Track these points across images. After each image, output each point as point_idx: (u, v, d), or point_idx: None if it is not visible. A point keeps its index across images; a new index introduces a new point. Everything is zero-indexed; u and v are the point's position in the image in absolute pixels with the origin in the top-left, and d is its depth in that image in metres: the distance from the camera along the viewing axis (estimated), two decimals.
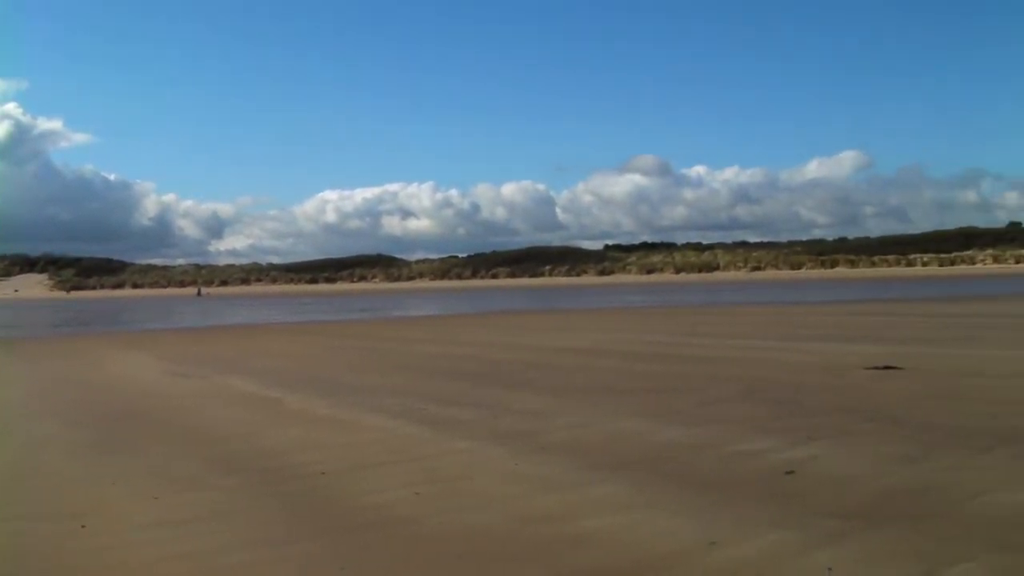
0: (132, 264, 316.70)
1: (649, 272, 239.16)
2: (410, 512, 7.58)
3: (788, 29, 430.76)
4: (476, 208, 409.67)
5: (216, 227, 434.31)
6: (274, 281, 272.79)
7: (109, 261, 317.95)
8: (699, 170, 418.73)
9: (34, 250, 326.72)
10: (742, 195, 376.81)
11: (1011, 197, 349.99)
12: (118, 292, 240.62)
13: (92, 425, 13.48)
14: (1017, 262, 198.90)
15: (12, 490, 9.26)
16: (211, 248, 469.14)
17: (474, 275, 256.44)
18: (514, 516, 7.33)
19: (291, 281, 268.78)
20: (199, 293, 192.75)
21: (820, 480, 8.12)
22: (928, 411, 11.49)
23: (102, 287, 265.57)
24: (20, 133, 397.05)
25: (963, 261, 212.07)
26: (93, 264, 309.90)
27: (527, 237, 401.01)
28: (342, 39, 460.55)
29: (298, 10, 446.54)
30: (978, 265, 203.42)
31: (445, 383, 16.91)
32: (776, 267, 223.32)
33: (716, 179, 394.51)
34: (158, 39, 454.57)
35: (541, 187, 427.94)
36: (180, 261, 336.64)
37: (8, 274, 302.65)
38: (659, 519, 7.10)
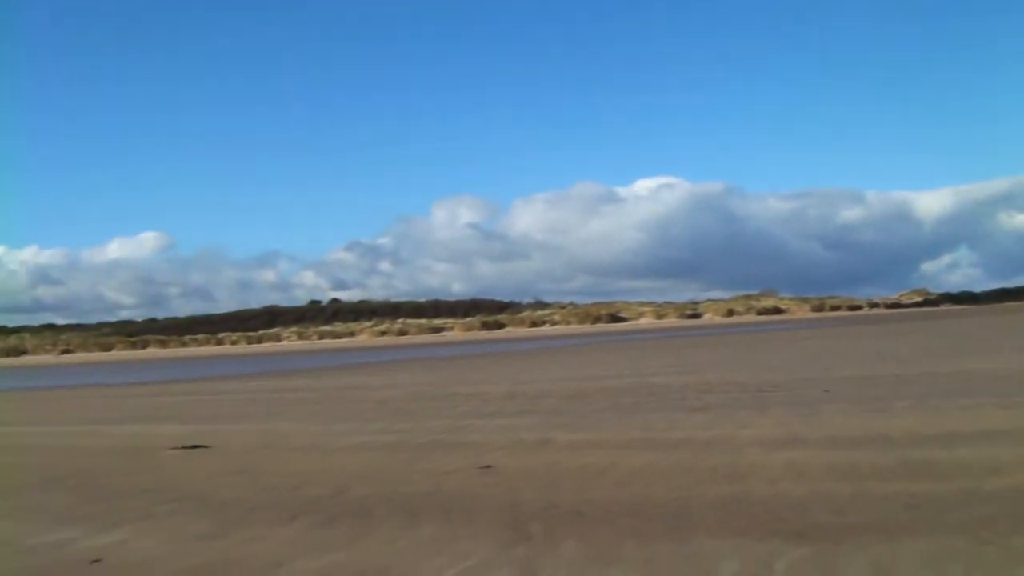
0: None
1: None
2: None
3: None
4: None
5: None
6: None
7: None
8: None
9: None
10: (42, 275, 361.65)
11: (308, 276, 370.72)
12: None
13: None
14: (321, 338, 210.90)
15: None
16: None
17: None
18: None
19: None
20: None
21: (127, 565, 8.09)
22: (232, 487, 11.88)
23: None
24: None
25: (270, 338, 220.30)
26: None
27: None
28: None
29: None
30: (284, 342, 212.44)
31: None
32: (87, 349, 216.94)
33: (14, 259, 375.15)
34: None
35: None
36: None
37: None
38: None
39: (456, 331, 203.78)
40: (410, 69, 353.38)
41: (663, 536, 8.05)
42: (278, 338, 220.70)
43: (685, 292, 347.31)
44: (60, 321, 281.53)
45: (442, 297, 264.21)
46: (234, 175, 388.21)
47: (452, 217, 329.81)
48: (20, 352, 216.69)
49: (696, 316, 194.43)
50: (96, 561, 8.28)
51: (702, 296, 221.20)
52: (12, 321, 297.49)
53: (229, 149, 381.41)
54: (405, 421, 19.21)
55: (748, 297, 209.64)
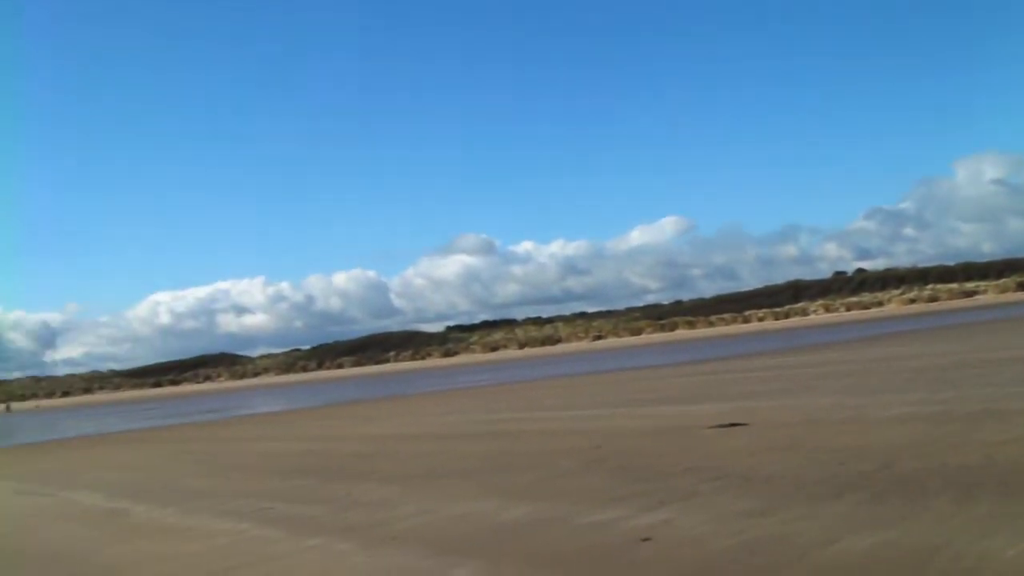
0: None
1: (493, 350, 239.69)
2: None
3: (588, 104, 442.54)
4: (310, 300, 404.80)
5: (48, 337, 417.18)
6: (117, 388, 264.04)
7: None
8: (527, 246, 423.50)
9: None
10: (570, 267, 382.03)
11: (830, 248, 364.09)
12: None
13: None
14: (848, 309, 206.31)
15: None
16: (47, 359, 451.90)
17: (319, 366, 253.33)
18: None
19: (135, 386, 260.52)
20: (8, 409, 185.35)
21: (676, 544, 8.08)
22: (774, 464, 11.65)
23: None
24: None
25: (796, 313, 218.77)
26: None
27: (365, 325, 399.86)
28: (152, 138, 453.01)
29: (101, 122, 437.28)
30: (811, 316, 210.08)
31: (292, 480, 16.50)
32: (617, 334, 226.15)
33: (543, 253, 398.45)
34: None
35: (372, 274, 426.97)
36: (16, 375, 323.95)
37: None
38: None
39: (989, 294, 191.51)
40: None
41: None
42: (804, 312, 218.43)
43: None
44: (590, 309, 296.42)
45: (972, 259, 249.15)
46: (749, 154, 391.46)
47: (976, 174, 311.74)
48: (555, 341, 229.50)
49: None
50: (646, 539, 8.36)
51: None
52: (546, 312, 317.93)
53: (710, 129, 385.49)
54: (947, 390, 18.05)
55: None
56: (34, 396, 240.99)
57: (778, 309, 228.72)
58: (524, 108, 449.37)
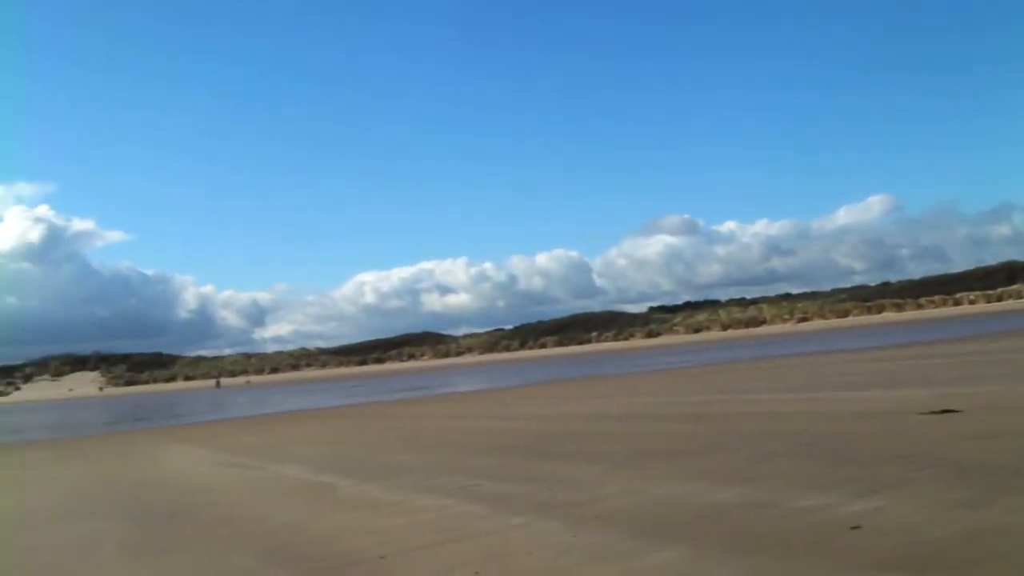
0: (182, 357, 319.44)
1: (696, 331, 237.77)
2: None
3: (802, 82, 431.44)
4: (513, 279, 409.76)
5: (257, 315, 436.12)
6: (324, 365, 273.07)
7: (159, 355, 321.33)
8: (730, 225, 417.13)
9: (84, 349, 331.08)
10: (774, 247, 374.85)
11: None
12: (172, 385, 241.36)
13: (143, 522, 13.47)
14: None
15: None
16: (256, 336, 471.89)
17: (521, 346, 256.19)
18: None
19: (340, 364, 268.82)
20: (218, 384, 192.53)
21: (887, 532, 7.89)
22: (989, 452, 11.18)
23: (154, 381, 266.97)
24: (54, 235, 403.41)
25: (1010, 296, 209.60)
26: (143, 359, 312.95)
27: (567, 305, 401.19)
28: (366, 124, 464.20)
29: (322, 103, 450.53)
30: None
31: (496, 458, 16.78)
32: (822, 316, 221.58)
33: (747, 233, 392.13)
34: (183, 133, 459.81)
35: (574, 254, 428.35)
36: (227, 351, 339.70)
37: (61, 373, 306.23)
38: None
39: None
40: None
41: None
42: (1019, 295, 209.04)
43: None
44: (794, 290, 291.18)
45: None
46: (959, 131, 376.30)
47: None
48: (759, 322, 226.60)
49: None
50: (856, 527, 8.18)
51: None
52: (750, 293, 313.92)
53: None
54: None
55: None
56: (244, 372, 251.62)
57: (991, 292, 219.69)
58: (731, 79, 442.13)
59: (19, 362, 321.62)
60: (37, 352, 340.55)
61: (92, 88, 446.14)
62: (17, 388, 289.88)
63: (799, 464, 12.14)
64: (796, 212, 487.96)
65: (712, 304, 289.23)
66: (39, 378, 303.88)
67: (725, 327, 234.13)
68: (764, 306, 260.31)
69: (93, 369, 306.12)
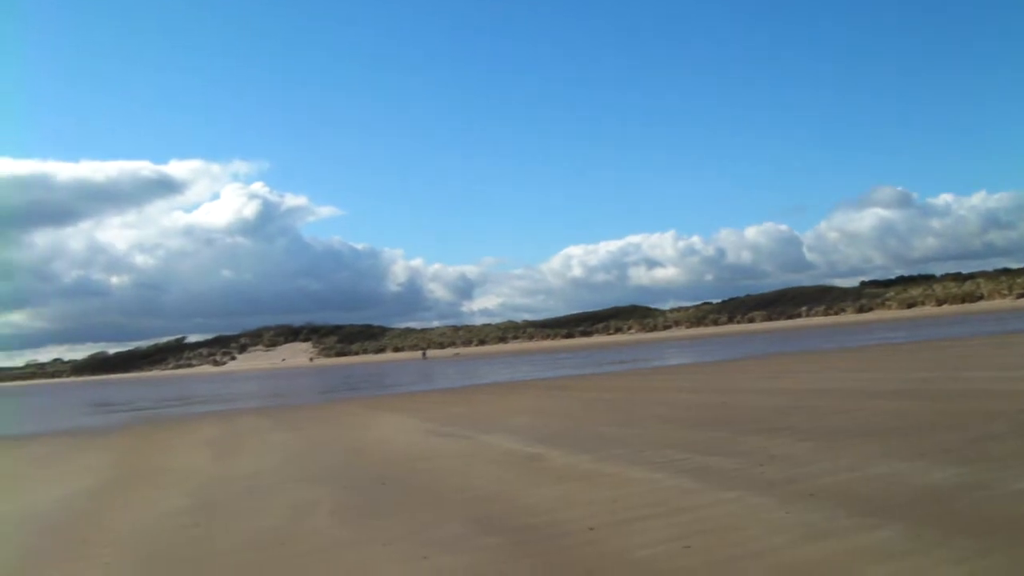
0: (391, 329, 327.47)
1: (909, 306, 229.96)
2: (683, 565, 7.47)
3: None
4: (721, 253, 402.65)
5: (465, 288, 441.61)
6: (530, 338, 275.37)
7: (369, 327, 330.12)
8: (946, 198, 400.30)
9: (296, 320, 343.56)
10: (992, 220, 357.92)
11: None
12: (380, 356, 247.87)
13: (358, 489, 13.84)
14: None
15: (280, 555, 9.52)
16: (463, 309, 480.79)
17: (729, 320, 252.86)
18: (788, 566, 7.15)
19: (547, 337, 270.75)
20: (424, 356, 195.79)
21: None
22: None
23: (364, 352, 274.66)
24: (268, 211, 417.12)
25: None
26: (354, 331, 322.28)
27: (776, 279, 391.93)
28: (570, 101, 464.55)
29: (527, 81, 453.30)
30: None
31: (705, 432, 16.65)
32: None
33: (963, 206, 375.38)
34: (387, 117, 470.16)
35: (784, 228, 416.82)
36: (436, 323, 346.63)
37: (274, 344, 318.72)
38: (940, 567, 6.80)
39: None
40: None
41: None
42: None
43: None
44: (1013, 265, 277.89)
45: None
46: None
47: None
48: (976, 298, 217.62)
49: None
50: None
51: None
52: (966, 267, 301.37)
53: None
54: None
55: None
56: (452, 344, 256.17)
57: None
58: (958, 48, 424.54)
59: (235, 333, 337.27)
60: (252, 323, 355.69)
61: (305, 70, 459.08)
62: (233, 358, 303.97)
63: (1020, 445, 11.71)
64: (1017, 184, 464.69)
65: (927, 279, 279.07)
66: (253, 348, 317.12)
67: (940, 302, 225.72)
68: (981, 281, 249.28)
69: (305, 340, 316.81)
